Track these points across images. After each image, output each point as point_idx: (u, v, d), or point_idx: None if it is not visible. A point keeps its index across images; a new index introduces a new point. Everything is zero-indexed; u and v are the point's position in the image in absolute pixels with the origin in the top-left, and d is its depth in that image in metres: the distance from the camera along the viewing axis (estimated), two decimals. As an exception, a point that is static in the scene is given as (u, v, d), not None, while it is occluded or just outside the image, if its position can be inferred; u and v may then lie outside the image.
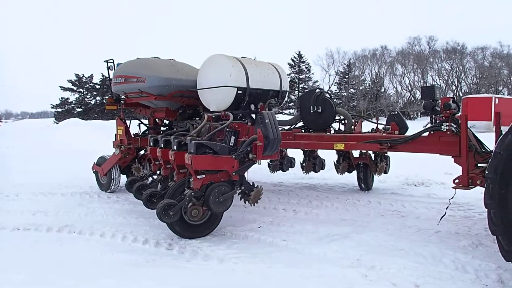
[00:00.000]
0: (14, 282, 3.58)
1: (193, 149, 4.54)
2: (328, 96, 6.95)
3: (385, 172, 7.33)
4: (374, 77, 56.00)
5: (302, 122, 7.04)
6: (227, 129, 4.89)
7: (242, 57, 6.63)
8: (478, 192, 5.69)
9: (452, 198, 4.86)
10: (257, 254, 4.20)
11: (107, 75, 7.74)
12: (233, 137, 4.82)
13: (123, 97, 7.50)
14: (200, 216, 4.57)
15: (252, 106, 6.40)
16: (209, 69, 6.37)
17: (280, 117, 7.79)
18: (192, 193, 4.48)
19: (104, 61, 7.58)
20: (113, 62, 7.55)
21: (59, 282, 3.59)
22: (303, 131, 6.97)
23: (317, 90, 6.83)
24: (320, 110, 6.59)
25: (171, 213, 4.36)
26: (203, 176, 4.59)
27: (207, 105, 6.50)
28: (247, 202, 4.79)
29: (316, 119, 6.68)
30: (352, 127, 6.86)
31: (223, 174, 4.67)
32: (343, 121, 7.02)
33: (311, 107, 6.62)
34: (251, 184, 4.85)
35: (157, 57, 7.09)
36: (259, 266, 3.86)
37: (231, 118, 4.98)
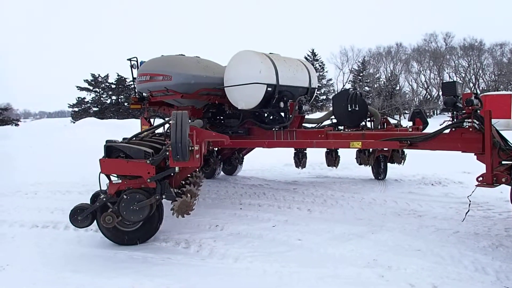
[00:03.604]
0: (33, 280, 3.65)
1: (104, 152, 4.33)
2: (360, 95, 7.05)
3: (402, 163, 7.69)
4: (389, 75, 55.35)
5: (335, 120, 7.14)
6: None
7: (270, 53, 6.54)
8: (498, 192, 5.62)
9: (470, 196, 4.77)
10: (271, 253, 4.19)
11: (131, 74, 7.53)
12: None
13: (146, 95, 7.33)
14: (113, 223, 4.22)
15: (282, 104, 6.31)
16: (237, 66, 6.26)
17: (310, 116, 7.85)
18: (105, 199, 4.25)
19: (127, 59, 7.40)
20: (137, 60, 7.37)
21: (75, 279, 3.65)
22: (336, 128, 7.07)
23: (351, 90, 6.99)
24: (357, 108, 6.71)
25: (79, 218, 4.17)
26: (119, 181, 4.29)
27: (235, 103, 6.41)
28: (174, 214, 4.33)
29: (351, 117, 6.79)
30: (379, 125, 7.13)
31: (143, 180, 4.27)
32: (370, 119, 7.20)
33: (348, 105, 6.71)
34: (183, 192, 4.40)
35: (182, 55, 6.97)
36: (273, 265, 3.85)
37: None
